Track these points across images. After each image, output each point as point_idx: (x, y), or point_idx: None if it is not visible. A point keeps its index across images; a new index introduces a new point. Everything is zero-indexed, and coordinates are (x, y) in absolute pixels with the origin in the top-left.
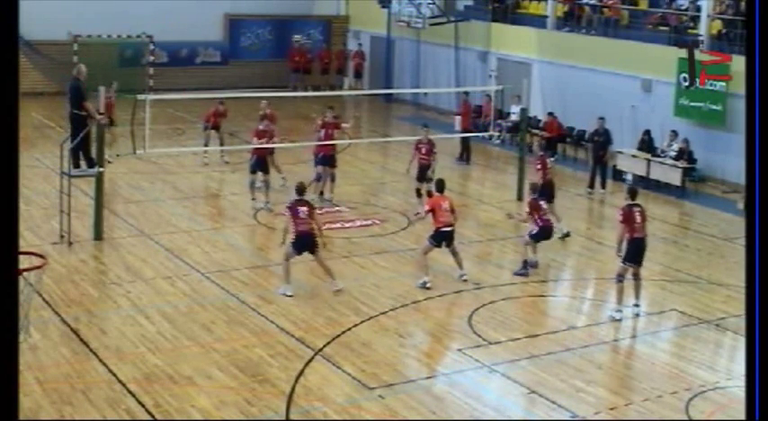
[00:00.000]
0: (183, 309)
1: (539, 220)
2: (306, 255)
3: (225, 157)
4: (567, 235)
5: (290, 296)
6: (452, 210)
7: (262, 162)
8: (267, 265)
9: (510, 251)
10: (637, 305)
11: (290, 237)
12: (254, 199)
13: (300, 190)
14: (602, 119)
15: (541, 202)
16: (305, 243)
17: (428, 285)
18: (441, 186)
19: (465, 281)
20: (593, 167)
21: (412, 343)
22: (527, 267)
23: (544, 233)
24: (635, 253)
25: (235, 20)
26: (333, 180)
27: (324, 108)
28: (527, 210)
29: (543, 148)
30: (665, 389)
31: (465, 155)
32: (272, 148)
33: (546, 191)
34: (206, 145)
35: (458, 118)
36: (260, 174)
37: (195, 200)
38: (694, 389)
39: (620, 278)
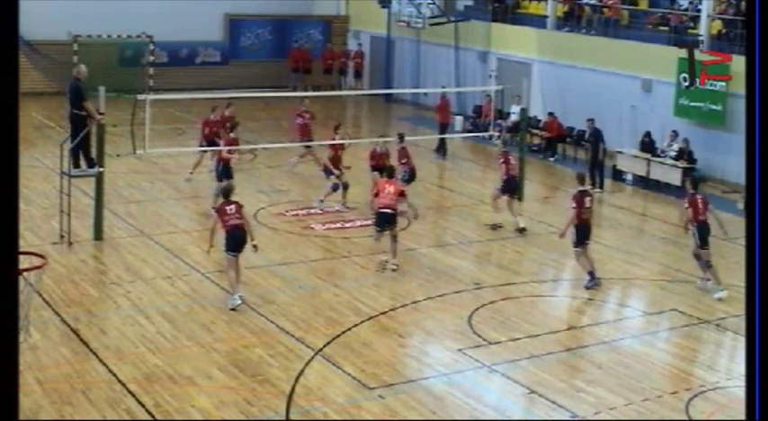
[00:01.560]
0: (183, 309)
1: (576, 219)
2: (310, 255)
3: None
4: (521, 230)
5: (238, 306)
6: (400, 195)
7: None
8: (267, 265)
9: (510, 251)
10: (593, 274)
11: (222, 238)
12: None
13: (227, 192)
14: (590, 120)
15: (586, 198)
16: (236, 239)
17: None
18: (390, 172)
19: (394, 270)
20: (590, 169)
21: (412, 343)
22: (593, 278)
23: (582, 234)
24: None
25: (235, 20)
26: (345, 187)
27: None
28: (573, 204)
29: (507, 144)
30: (665, 389)
31: (442, 148)
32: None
33: (510, 186)
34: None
35: (459, 118)
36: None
37: (195, 200)
38: (694, 389)
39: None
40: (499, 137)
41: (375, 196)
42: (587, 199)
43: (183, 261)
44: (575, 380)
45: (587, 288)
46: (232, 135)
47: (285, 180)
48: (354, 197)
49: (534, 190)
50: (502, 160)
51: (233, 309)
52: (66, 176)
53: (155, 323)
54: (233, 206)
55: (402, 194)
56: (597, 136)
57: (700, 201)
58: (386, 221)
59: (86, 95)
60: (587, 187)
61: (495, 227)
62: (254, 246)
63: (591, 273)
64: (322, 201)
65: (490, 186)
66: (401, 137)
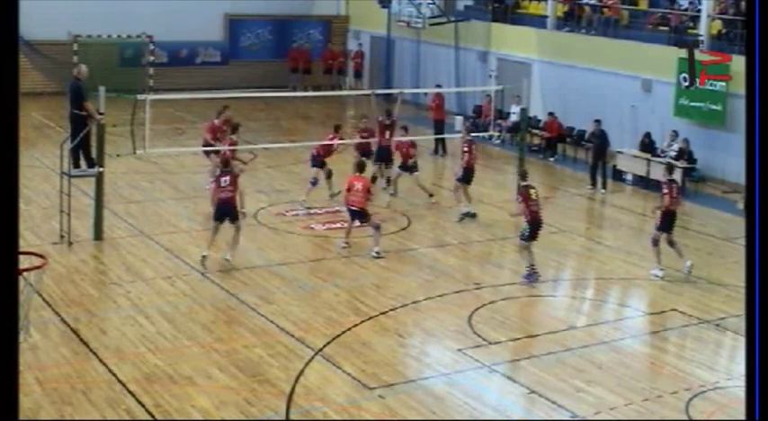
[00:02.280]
0: (183, 309)
1: (527, 213)
2: (310, 255)
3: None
4: (471, 215)
5: (203, 259)
6: (368, 191)
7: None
8: (267, 265)
9: (510, 251)
10: (533, 268)
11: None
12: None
13: (225, 163)
14: (597, 121)
15: (531, 191)
16: (221, 211)
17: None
18: (360, 168)
19: (376, 257)
20: (592, 167)
21: (412, 343)
22: (534, 273)
23: (533, 230)
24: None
25: (235, 20)
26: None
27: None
28: (519, 198)
29: (470, 130)
30: (665, 389)
31: (440, 147)
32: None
33: (467, 175)
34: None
35: (459, 118)
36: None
37: (195, 200)
38: (694, 389)
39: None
40: (500, 136)
41: (346, 192)
42: (532, 192)
43: (183, 261)
44: (575, 380)
45: (526, 279)
46: (233, 137)
47: (285, 180)
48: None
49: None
50: (465, 148)
51: (202, 260)
52: (66, 176)
53: (155, 323)
54: (228, 177)
55: (369, 190)
56: (603, 138)
57: (674, 188)
58: (356, 217)
59: (86, 95)
60: (530, 181)
61: (465, 216)
62: (244, 214)
63: (532, 266)
64: (304, 200)
65: (490, 186)
66: (468, 129)
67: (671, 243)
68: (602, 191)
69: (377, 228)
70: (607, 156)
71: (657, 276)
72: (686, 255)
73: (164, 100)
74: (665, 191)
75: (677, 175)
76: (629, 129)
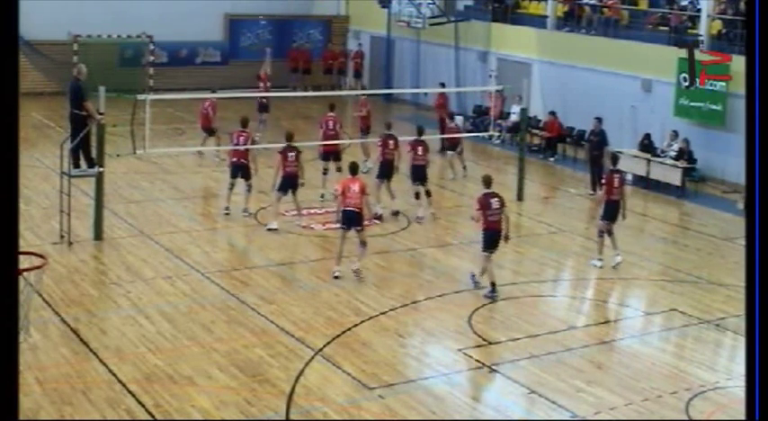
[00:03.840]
0: (183, 308)
1: (483, 222)
2: (310, 255)
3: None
4: (377, 217)
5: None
6: (363, 192)
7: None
8: (267, 265)
9: (510, 251)
10: (476, 282)
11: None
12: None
13: (290, 137)
14: (598, 119)
15: (492, 200)
16: (290, 183)
17: (336, 274)
18: (354, 169)
19: (355, 272)
20: (591, 169)
21: (412, 343)
22: (476, 280)
23: (489, 239)
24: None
25: (235, 20)
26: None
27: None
28: (476, 206)
29: (389, 126)
30: (665, 389)
31: (449, 147)
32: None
33: (385, 170)
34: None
35: (459, 118)
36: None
37: (195, 200)
38: (694, 389)
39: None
40: (500, 136)
41: (341, 195)
42: (493, 201)
43: (183, 261)
44: (575, 380)
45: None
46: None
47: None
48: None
49: (534, 190)
50: (380, 143)
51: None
52: (66, 176)
53: (155, 323)
54: (294, 153)
55: (365, 191)
56: (602, 136)
57: (616, 179)
58: (351, 220)
59: (86, 95)
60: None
61: (394, 214)
62: (302, 183)
63: (476, 275)
64: (246, 209)
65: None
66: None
67: (609, 232)
68: (600, 192)
69: (364, 244)
70: (605, 155)
71: (596, 266)
72: (619, 250)
73: (164, 100)
74: (604, 181)
75: (677, 175)
76: (629, 130)
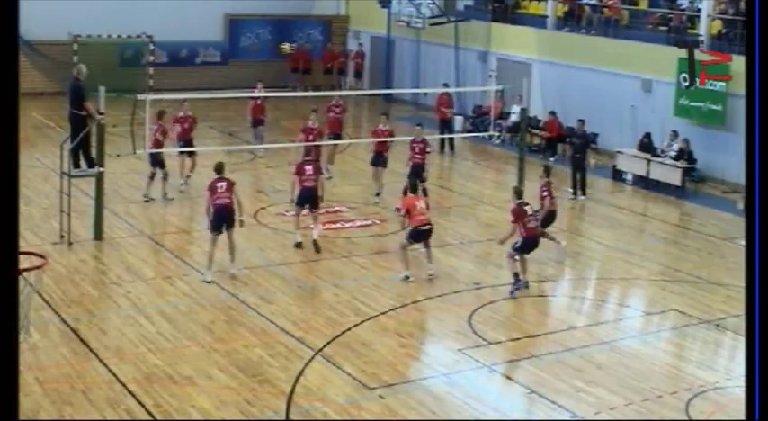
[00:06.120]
0: (183, 308)
1: (522, 230)
2: (310, 255)
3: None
4: (297, 245)
5: (209, 282)
6: (428, 208)
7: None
8: (267, 265)
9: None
10: (526, 281)
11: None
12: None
13: (219, 168)
14: (581, 121)
15: (526, 208)
16: (220, 218)
17: (410, 279)
18: (414, 188)
19: (431, 277)
20: (572, 172)
21: (412, 343)
22: (519, 281)
23: (528, 244)
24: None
25: (235, 20)
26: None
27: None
28: (511, 218)
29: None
30: (665, 389)
31: (447, 145)
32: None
33: (306, 197)
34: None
35: (459, 118)
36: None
37: (195, 200)
38: (694, 389)
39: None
40: (500, 136)
41: (407, 215)
42: (527, 208)
43: (183, 261)
44: (575, 380)
45: (511, 295)
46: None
47: (285, 180)
48: (354, 197)
49: (534, 190)
50: (295, 171)
51: (207, 282)
52: (66, 176)
53: (155, 323)
54: (224, 183)
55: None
56: (585, 139)
57: (552, 189)
58: (424, 237)
59: (86, 95)
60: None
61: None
62: (241, 222)
63: (516, 275)
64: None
65: (490, 186)
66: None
67: (543, 234)
68: (582, 197)
69: (429, 245)
70: (587, 158)
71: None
72: (562, 242)
73: (164, 100)
74: (545, 193)
75: (677, 175)
76: (629, 130)
